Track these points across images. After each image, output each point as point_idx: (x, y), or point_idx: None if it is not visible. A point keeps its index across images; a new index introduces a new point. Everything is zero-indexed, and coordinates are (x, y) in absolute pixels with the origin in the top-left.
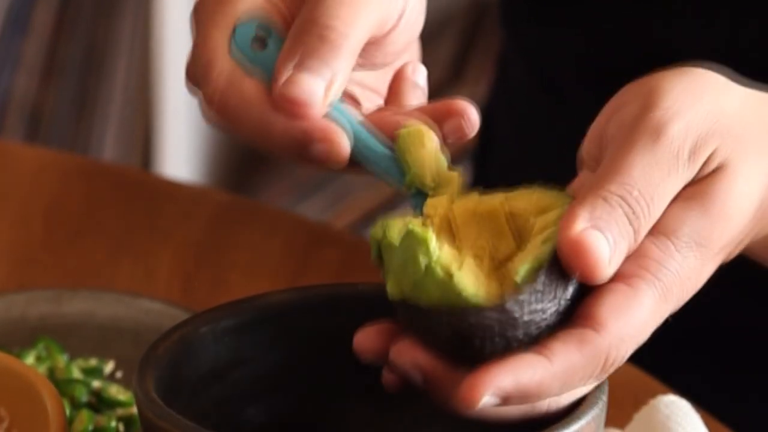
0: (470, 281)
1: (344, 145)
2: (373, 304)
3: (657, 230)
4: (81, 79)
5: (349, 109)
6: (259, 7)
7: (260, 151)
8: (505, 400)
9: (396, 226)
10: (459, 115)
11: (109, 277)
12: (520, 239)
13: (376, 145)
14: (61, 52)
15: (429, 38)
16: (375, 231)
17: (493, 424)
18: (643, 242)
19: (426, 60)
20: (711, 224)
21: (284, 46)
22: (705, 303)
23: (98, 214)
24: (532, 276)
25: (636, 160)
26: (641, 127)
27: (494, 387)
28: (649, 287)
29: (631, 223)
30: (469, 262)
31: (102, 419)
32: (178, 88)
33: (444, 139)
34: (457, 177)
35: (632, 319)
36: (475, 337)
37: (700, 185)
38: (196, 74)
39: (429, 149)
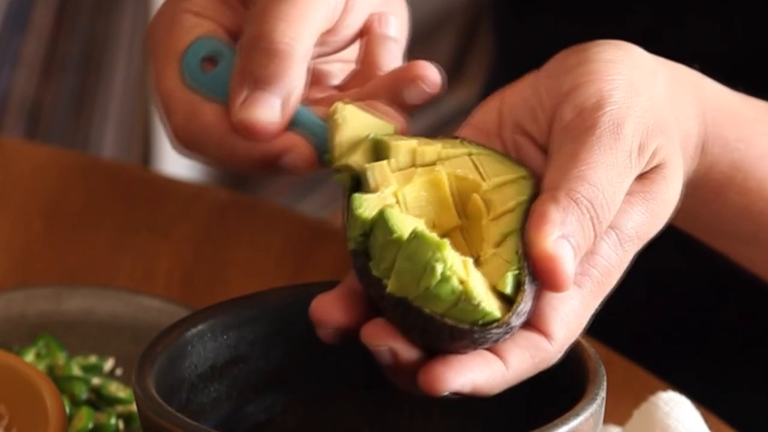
0: (483, 295)
1: (310, 153)
2: None
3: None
4: (80, 76)
5: (310, 110)
6: (204, 30)
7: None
8: (459, 393)
9: (372, 202)
10: (418, 79)
11: (108, 275)
12: (465, 211)
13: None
14: (60, 49)
15: (427, 37)
16: (356, 202)
17: (492, 417)
18: None
19: (424, 59)
20: (651, 219)
21: (235, 68)
22: (705, 300)
23: (98, 212)
24: (517, 285)
25: (600, 160)
26: (601, 122)
27: (454, 385)
28: (595, 287)
29: (594, 228)
30: (476, 275)
31: (102, 416)
32: None
33: (409, 104)
34: (395, 128)
35: (580, 326)
36: (471, 344)
37: (642, 182)
38: (160, 114)
39: (352, 126)
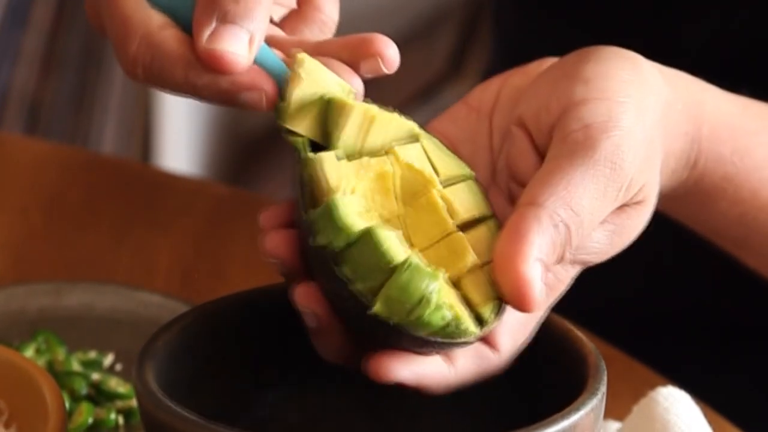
0: (469, 319)
1: (274, 93)
2: None
3: None
4: (80, 72)
5: (273, 51)
6: None
7: (260, 144)
8: (403, 385)
9: (353, 207)
10: (378, 56)
11: (108, 270)
12: (412, 201)
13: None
14: (60, 45)
15: (427, 31)
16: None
17: (492, 413)
18: None
19: (425, 53)
20: (609, 248)
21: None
22: (705, 297)
23: (97, 207)
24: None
25: (590, 188)
26: (603, 146)
27: (399, 375)
28: (544, 306)
29: (563, 253)
30: (453, 294)
31: (101, 411)
32: None
33: (361, 75)
34: (351, 91)
35: (525, 336)
36: (432, 351)
37: (618, 214)
38: (114, 41)
39: (311, 82)
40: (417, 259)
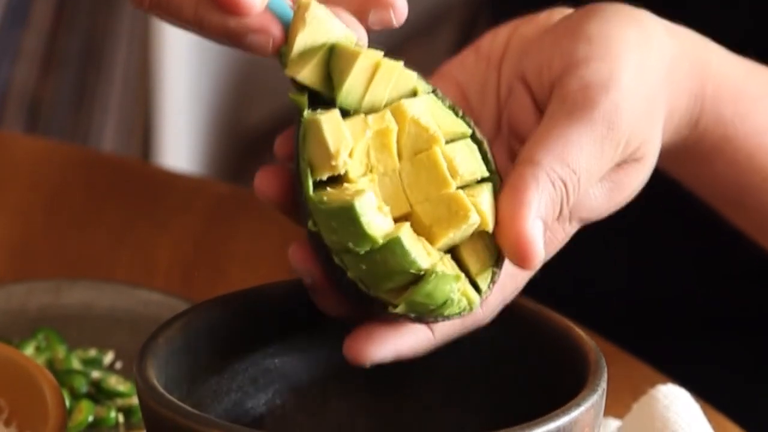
0: (477, 300)
1: (280, 37)
2: None
3: None
4: (80, 70)
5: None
6: None
7: (260, 142)
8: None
9: (375, 217)
10: (389, 6)
11: (108, 268)
12: (406, 155)
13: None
14: (60, 43)
15: (428, 30)
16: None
17: (493, 409)
18: None
19: (425, 52)
20: (606, 205)
21: None
22: (705, 295)
23: (98, 205)
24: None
25: (587, 148)
26: (601, 105)
27: (377, 357)
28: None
29: (561, 210)
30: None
31: (101, 410)
32: (178, 79)
33: (368, 26)
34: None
35: (515, 290)
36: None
37: (616, 171)
38: None
39: (316, 28)
40: (441, 266)
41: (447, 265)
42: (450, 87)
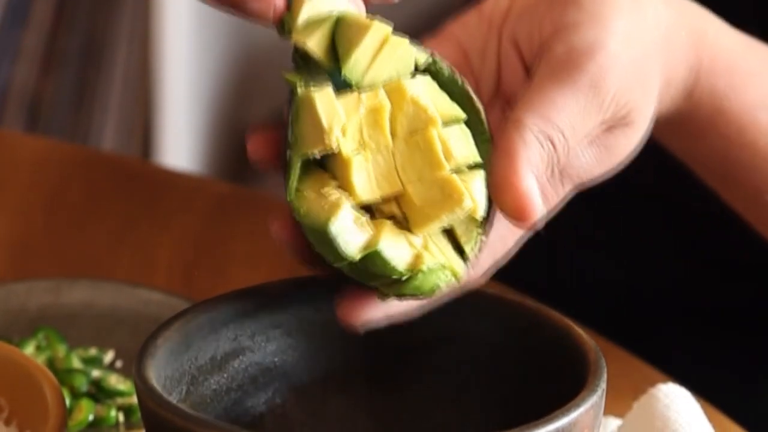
0: (461, 267)
1: (282, 5)
2: None
3: None
4: (81, 69)
5: None
6: None
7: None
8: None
9: (353, 235)
10: None
11: (108, 267)
12: (402, 135)
13: None
14: (60, 42)
15: (427, 29)
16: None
17: (492, 409)
18: None
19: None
20: (597, 167)
21: None
22: (706, 293)
23: (98, 204)
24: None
25: (571, 108)
26: (586, 69)
27: (370, 319)
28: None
29: (553, 167)
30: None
31: (102, 409)
32: (178, 78)
33: (367, 5)
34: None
35: (506, 254)
36: None
37: (604, 133)
38: None
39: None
40: (427, 257)
41: (432, 252)
42: (452, 48)
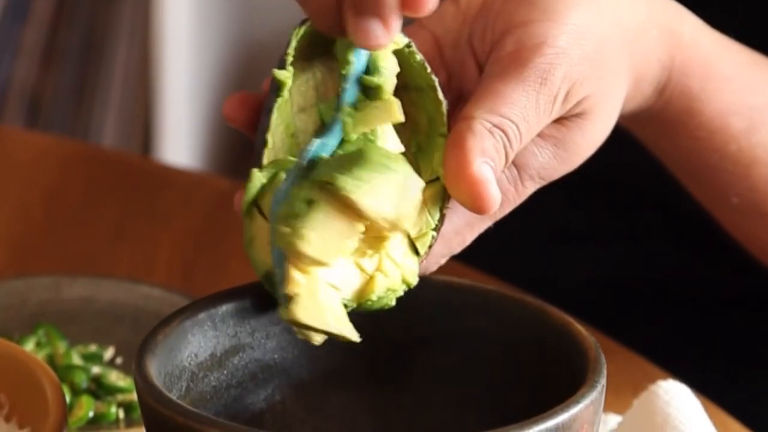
0: (412, 275)
1: None
2: None
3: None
4: (81, 65)
5: None
6: None
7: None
8: None
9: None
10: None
11: (108, 264)
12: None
13: None
14: (61, 38)
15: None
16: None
17: (493, 406)
18: None
19: None
20: (556, 164)
21: None
22: (707, 292)
23: (98, 201)
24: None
25: (519, 99)
26: (533, 64)
27: None
28: (498, 215)
29: (506, 155)
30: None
31: (102, 405)
32: (178, 74)
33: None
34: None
35: (461, 244)
36: None
37: (557, 127)
38: None
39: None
40: (380, 282)
41: (386, 270)
42: (427, 38)
